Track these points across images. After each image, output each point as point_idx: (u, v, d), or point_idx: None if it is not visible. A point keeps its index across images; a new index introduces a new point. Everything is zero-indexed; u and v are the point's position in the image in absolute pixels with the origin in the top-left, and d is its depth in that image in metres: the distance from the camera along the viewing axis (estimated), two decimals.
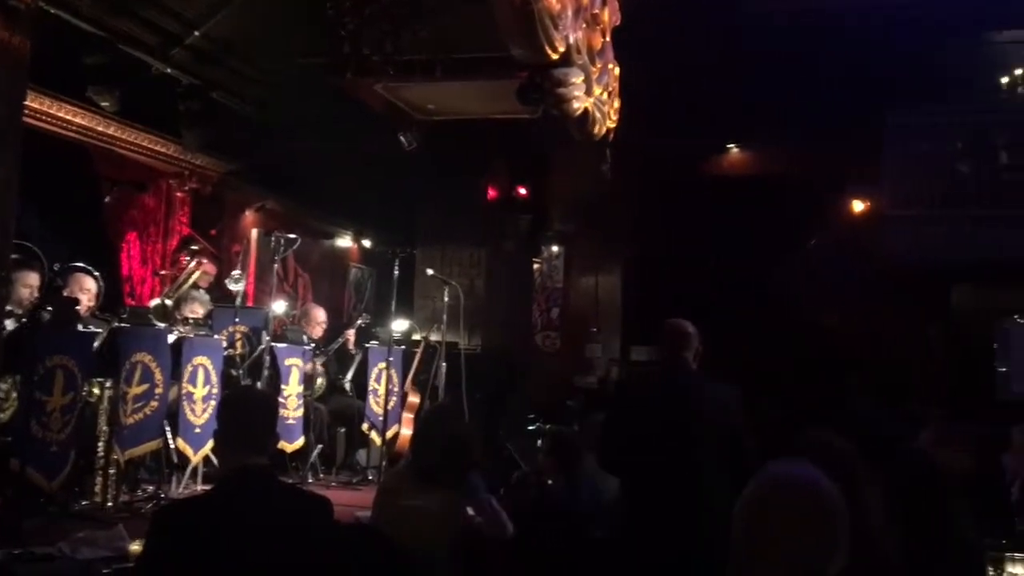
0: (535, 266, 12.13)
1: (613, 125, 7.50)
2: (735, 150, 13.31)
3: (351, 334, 7.50)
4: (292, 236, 6.93)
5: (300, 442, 6.61)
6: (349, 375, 7.44)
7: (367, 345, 7.41)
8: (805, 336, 11.04)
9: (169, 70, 6.89)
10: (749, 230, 12.05)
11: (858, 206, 12.14)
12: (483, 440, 6.69)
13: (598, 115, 6.92)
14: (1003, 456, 5.74)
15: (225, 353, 6.24)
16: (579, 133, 7.01)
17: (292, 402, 6.60)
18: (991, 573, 3.61)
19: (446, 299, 6.97)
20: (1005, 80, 9.48)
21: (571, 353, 12.69)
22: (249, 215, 9.09)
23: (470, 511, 4.11)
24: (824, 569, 1.81)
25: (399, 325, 7.63)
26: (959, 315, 10.95)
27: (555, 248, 12.91)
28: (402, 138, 7.94)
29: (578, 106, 6.37)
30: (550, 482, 4.98)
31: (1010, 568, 3.66)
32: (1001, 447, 5.95)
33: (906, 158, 10.79)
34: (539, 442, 6.61)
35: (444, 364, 6.85)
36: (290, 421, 6.54)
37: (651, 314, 13.38)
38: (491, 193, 9.63)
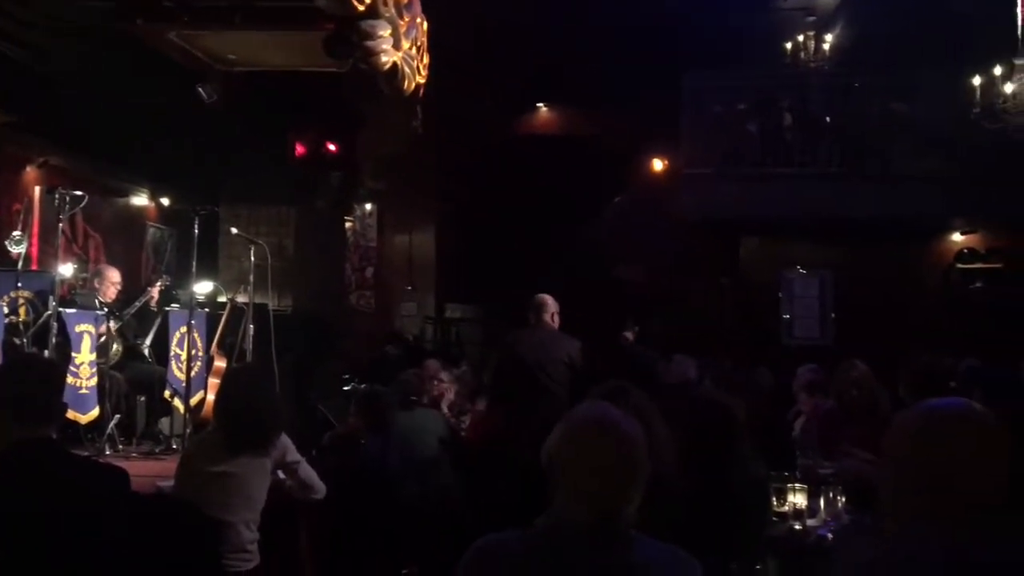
0: (347, 224, 11.93)
1: (423, 81, 7.42)
2: (544, 109, 13.57)
3: (155, 292, 7.12)
4: (79, 193, 6.44)
5: (95, 412, 6.23)
6: (148, 340, 7.06)
7: (168, 308, 7.05)
8: (609, 288, 11.50)
9: None
10: (558, 188, 12.37)
11: (658, 165, 12.72)
12: (295, 402, 6.57)
13: (407, 70, 6.83)
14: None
15: (6, 321, 5.77)
16: (388, 88, 6.90)
17: (85, 371, 6.20)
18: (775, 502, 3.91)
19: (253, 259, 6.70)
20: (789, 46, 10.13)
21: (386, 312, 12.64)
22: (31, 171, 8.40)
23: (280, 475, 4.03)
24: (623, 502, 1.91)
25: (202, 287, 7.30)
26: (747, 266, 11.73)
27: (368, 206, 12.74)
28: (201, 90, 7.50)
29: (386, 60, 6.26)
30: (363, 442, 4.95)
31: (791, 497, 3.97)
32: (786, 389, 6.45)
33: (700, 119, 11.36)
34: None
35: (252, 326, 6.61)
36: (83, 391, 6.15)
37: (465, 271, 13.62)
38: (299, 149, 9.32)
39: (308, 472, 4.06)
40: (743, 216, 10.87)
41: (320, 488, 4.09)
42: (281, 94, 8.60)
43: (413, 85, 7.03)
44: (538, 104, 13.43)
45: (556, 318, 5.91)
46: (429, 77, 7.62)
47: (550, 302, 5.89)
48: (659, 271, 12.08)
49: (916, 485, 1.75)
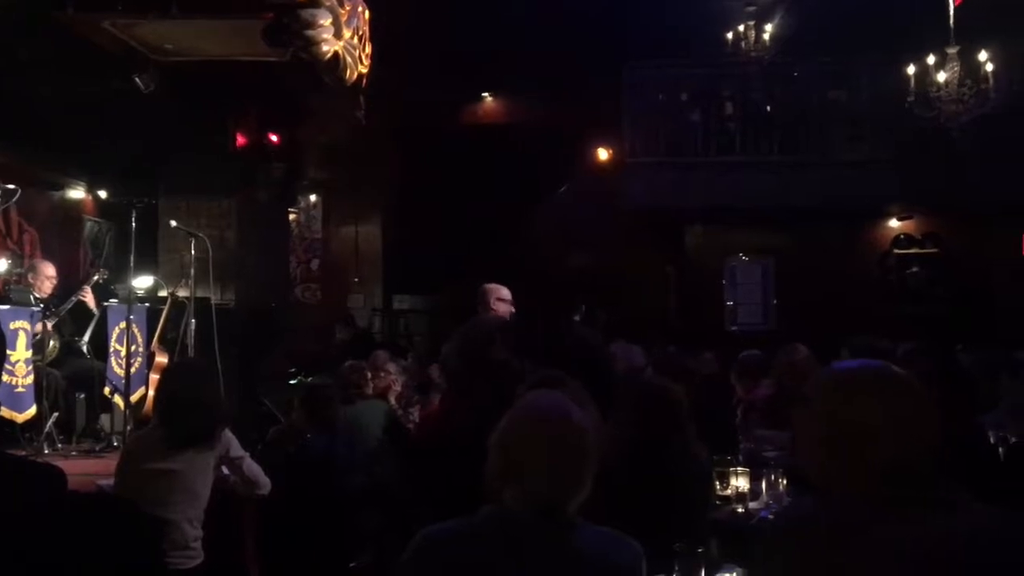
0: (291, 216, 11.80)
1: (365, 71, 7.35)
2: (489, 99, 13.54)
3: (88, 291, 6.96)
4: (12, 187, 6.29)
5: (32, 411, 6.08)
6: (86, 336, 6.91)
7: (106, 304, 6.91)
8: (555, 277, 11.55)
9: None
10: (504, 177, 12.37)
11: (603, 154, 12.79)
12: (239, 397, 6.49)
13: (349, 59, 6.76)
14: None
15: None
16: (330, 78, 6.82)
17: (20, 368, 6.04)
18: (718, 485, 3.97)
19: (193, 252, 6.60)
20: (730, 36, 10.24)
21: (332, 304, 12.55)
22: None
23: (224, 470, 3.98)
24: (571, 491, 1.92)
25: (142, 281, 7.16)
26: (692, 254, 11.87)
27: (312, 197, 12.62)
28: (138, 80, 7.35)
29: (327, 49, 6.18)
30: (308, 436, 4.91)
31: (734, 480, 4.03)
32: (726, 375, 6.54)
33: (643, 109, 11.45)
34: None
35: (194, 321, 6.51)
36: (19, 389, 5.99)
37: (413, 262, 13.56)
38: (240, 140, 9.18)
39: (252, 467, 4.02)
40: (687, 204, 10.99)
41: (265, 483, 4.05)
42: (221, 84, 8.46)
43: (355, 75, 6.96)
44: (483, 94, 13.40)
45: (504, 306, 5.87)
46: (372, 66, 7.55)
47: (496, 291, 5.84)
48: (604, 259, 12.16)
49: (831, 447, 1.71)
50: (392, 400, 5.87)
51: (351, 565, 3.96)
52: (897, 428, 1.67)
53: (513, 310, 5.86)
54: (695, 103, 11.47)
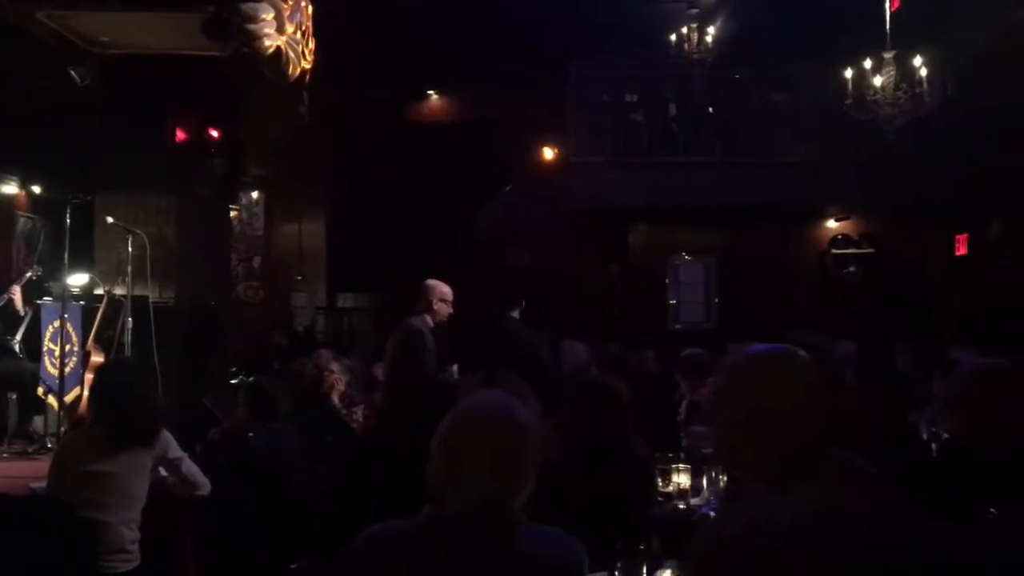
0: (232, 213, 11.61)
1: (309, 66, 7.26)
2: (434, 97, 13.49)
3: (16, 290, 6.77)
4: None
5: None
6: (19, 335, 6.73)
7: (39, 302, 6.73)
8: (499, 276, 11.55)
9: None
10: (449, 175, 12.34)
11: (548, 153, 12.84)
12: (178, 397, 6.37)
13: (292, 55, 6.67)
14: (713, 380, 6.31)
15: None
16: (273, 73, 6.72)
17: None
18: (660, 482, 4.01)
19: (131, 249, 6.46)
20: (673, 37, 10.35)
21: (275, 303, 12.39)
22: None
23: (161, 471, 3.91)
24: (514, 490, 1.92)
25: (77, 279, 6.99)
26: (635, 253, 11.97)
27: (254, 194, 12.43)
28: (73, 73, 7.17)
29: (269, 44, 6.09)
30: (251, 435, 4.83)
31: (675, 477, 4.08)
32: (673, 372, 6.61)
33: (587, 108, 11.52)
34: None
35: (131, 319, 6.37)
36: None
37: (357, 260, 13.44)
38: (179, 135, 8.98)
39: (191, 468, 3.95)
40: (631, 204, 11.08)
41: (204, 484, 3.99)
42: (160, 78, 8.27)
43: (298, 70, 6.87)
44: (428, 92, 13.35)
45: (445, 307, 5.87)
46: (316, 63, 7.46)
47: (440, 290, 5.84)
48: (549, 258, 12.21)
49: (743, 429, 1.73)
50: (336, 399, 5.81)
51: (293, 567, 3.91)
52: (808, 408, 1.70)
53: (451, 311, 5.87)
54: (639, 103, 11.57)
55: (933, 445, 3.64)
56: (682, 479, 4.06)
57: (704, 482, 4.07)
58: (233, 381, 7.84)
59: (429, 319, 5.78)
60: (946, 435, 3.42)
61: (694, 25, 10.39)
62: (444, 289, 5.88)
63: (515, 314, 5.96)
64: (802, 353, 1.82)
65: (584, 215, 11.34)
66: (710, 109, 11.46)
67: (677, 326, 11.60)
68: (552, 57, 10.91)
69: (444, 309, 5.82)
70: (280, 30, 6.21)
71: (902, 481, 1.75)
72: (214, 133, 9.33)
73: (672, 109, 11.49)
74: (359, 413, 6.33)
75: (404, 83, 12.39)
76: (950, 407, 2.88)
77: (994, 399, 2.66)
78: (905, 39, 8.00)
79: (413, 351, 5.58)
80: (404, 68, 11.78)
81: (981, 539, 1.62)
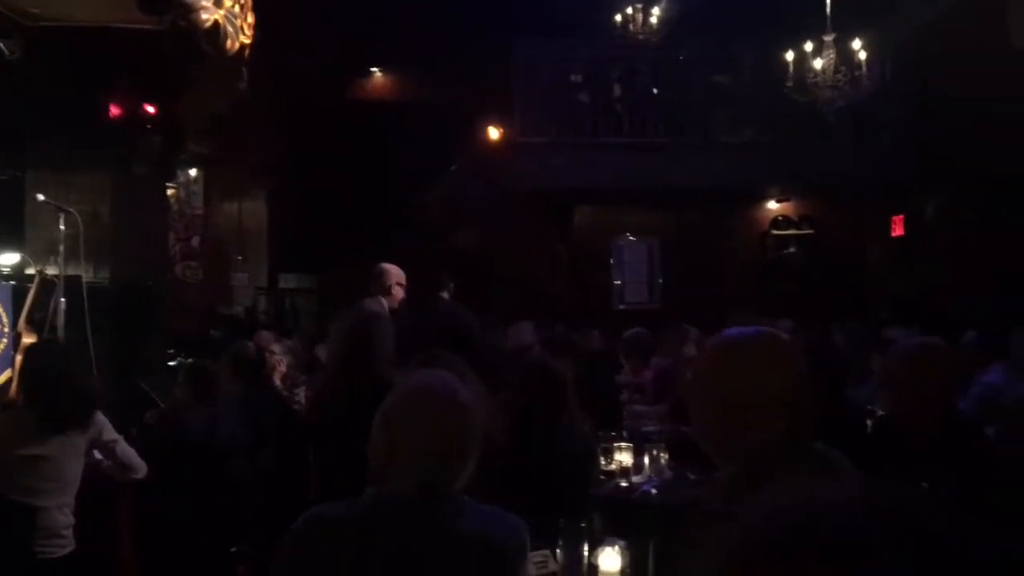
0: (170, 191, 11.34)
1: (248, 41, 7.12)
2: (378, 74, 13.34)
3: None
4: None
5: None
6: None
7: None
8: (444, 256, 11.50)
9: None
10: (393, 155, 12.22)
11: (494, 133, 12.78)
12: (113, 379, 6.23)
13: (230, 29, 6.53)
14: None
15: None
16: (210, 48, 6.57)
17: None
18: (603, 461, 4.04)
19: (63, 228, 6.27)
20: (618, 18, 10.35)
21: (215, 283, 12.17)
22: None
23: (96, 455, 3.82)
24: (455, 471, 1.91)
25: (7, 258, 6.78)
26: (581, 234, 12.01)
27: (192, 172, 12.15)
28: (1, 46, 6.93)
29: (207, 17, 5.96)
30: (190, 417, 4.75)
31: (617, 456, 4.12)
32: (612, 352, 6.67)
33: (533, 88, 11.48)
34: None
35: (64, 300, 6.19)
36: None
37: (299, 240, 13.26)
38: (113, 111, 8.72)
39: (126, 451, 3.87)
40: (576, 185, 11.09)
41: (140, 467, 3.91)
42: (93, 51, 8.03)
43: (237, 45, 6.73)
44: (372, 69, 13.18)
45: (400, 291, 5.78)
46: (256, 38, 7.31)
47: (397, 274, 5.76)
48: (495, 238, 12.19)
49: (725, 415, 1.69)
50: (277, 381, 5.74)
51: (232, 550, 3.86)
52: (794, 393, 1.66)
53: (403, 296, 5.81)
54: (584, 84, 11.56)
55: (868, 422, 3.71)
56: (624, 457, 4.10)
57: (646, 460, 4.12)
58: (171, 363, 7.69)
59: (385, 303, 5.71)
60: (881, 412, 3.50)
61: (639, 6, 10.40)
62: (400, 273, 5.82)
63: (445, 294, 5.92)
64: (784, 336, 1.78)
65: (530, 196, 11.32)
66: (655, 90, 11.50)
67: (621, 306, 11.68)
68: (498, 36, 10.84)
69: (399, 293, 5.77)
70: (217, 3, 6.08)
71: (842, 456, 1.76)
72: (150, 109, 9.09)
73: (617, 90, 11.51)
74: (301, 395, 6.26)
75: (347, 60, 12.22)
76: (884, 385, 2.94)
77: (926, 378, 2.72)
78: (845, 22, 8.12)
79: (369, 335, 5.51)
80: (347, 45, 11.61)
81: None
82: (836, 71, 7.96)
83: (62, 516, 3.58)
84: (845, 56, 8.01)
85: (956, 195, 9.88)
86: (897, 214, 11.16)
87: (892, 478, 2.61)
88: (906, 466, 2.67)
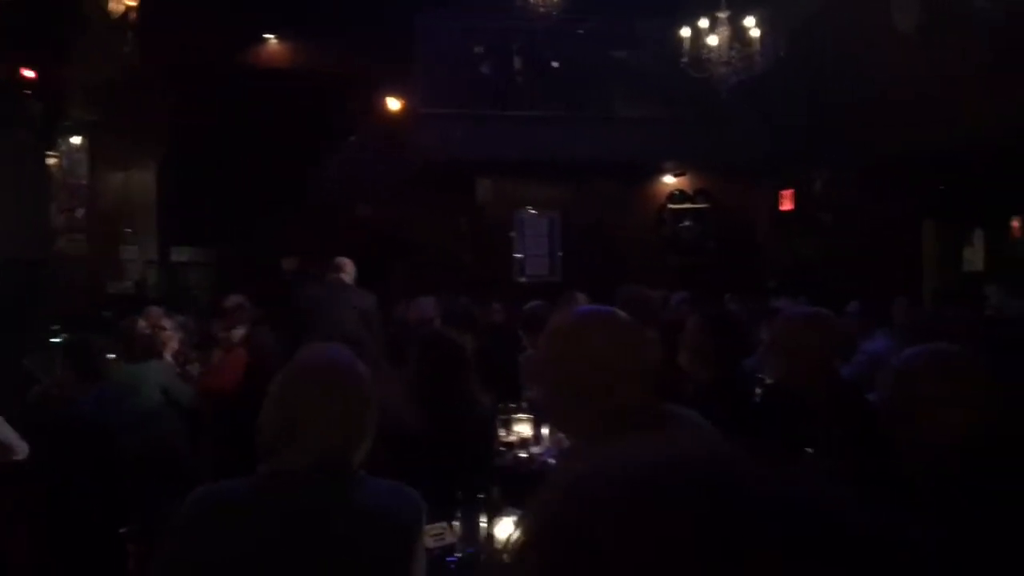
0: (51, 160, 10.82)
1: (134, 4, 6.84)
2: (273, 41, 12.98)
3: None
4: None
5: None
6: None
7: None
8: (343, 228, 11.34)
9: None
10: (291, 124, 11.94)
11: (394, 104, 12.61)
12: None
13: None
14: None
15: None
16: (93, 11, 6.29)
17: None
18: (503, 432, 4.08)
19: None
20: None
21: (102, 257, 11.70)
22: None
23: None
24: (350, 445, 1.89)
25: None
26: (483, 207, 12.00)
27: (76, 139, 11.61)
28: None
29: None
30: (75, 395, 4.57)
31: (517, 427, 4.16)
32: (513, 325, 6.69)
33: (435, 58, 11.37)
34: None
35: None
36: None
37: (193, 212, 12.86)
38: None
39: (5, 431, 3.70)
40: (478, 157, 11.06)
41: (20, 448, 3.74)
42: None
43: (122, 7, 6.46)
44: (266, 36, 12.81)
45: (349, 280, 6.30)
46: (145, 1, 7.03)
47: (348, 266, 6.29)
48: (396, 211, 12.07)
49: (567, 390, 1.76)
50: (168, 357, 5.56)
51: (121, 531, 3.74)
52: (630, 367, 1.74)
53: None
54: (486, 55, 11.51)
55: (757, 390, 3.84)
56: (524, 428, 4.14)
57: (545, 431, 4.16)
58: (54, 340, 7.38)
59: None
60: (768, 380, 3.62)
61: None
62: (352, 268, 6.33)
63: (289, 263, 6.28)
64: (623, 315, 1.85)
65: (431, 168, 11.24)
66: (555, 64, 11.54)
67: (523, 279, 11.74)
68: (399, 4, 10.68)
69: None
70: None
71: (733, 422, 1.83)
72: (29, 73, 8.63)
73: (518, 63, 11.50)
74: (195, 371, 6.10)
75: (241, 25, 11.84)
76: (771, 352, 3.04)
77: (811, 345, 2.82)
78: (741, 1, 8.29)
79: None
80: (241, 9, 11.25)
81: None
82: (730, 48, 8.14)
83: None
84: (739, 34, 8.19)
85: (842, 171, 10.25)
86: (786, 189, 11.52)
87: (779, 442, 2.71)
88: (792, 430, 2.78)
